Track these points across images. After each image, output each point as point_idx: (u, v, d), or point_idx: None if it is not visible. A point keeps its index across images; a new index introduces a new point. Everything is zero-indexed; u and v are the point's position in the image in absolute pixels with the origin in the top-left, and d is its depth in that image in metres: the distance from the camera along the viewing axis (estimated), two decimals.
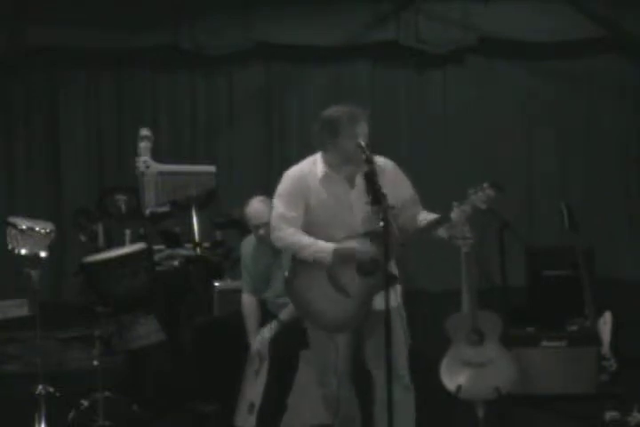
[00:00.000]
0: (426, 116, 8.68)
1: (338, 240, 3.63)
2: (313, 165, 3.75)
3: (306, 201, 3.70)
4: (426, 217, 3.76)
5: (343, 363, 3.77)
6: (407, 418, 3.74)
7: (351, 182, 3.70)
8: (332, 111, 3.69)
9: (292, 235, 3.69)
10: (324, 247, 3.62)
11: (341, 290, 3.62)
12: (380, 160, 3.74)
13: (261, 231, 4.48)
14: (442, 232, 3.72)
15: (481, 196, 3.55)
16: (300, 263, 3.71)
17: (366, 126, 3.65)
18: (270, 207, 4.45)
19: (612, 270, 7.67)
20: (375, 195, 3.42)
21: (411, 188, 3.83)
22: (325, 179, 3.71)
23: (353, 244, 3.60)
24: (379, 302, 3.51)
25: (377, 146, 3.70)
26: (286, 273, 3.77)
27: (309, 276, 3.68)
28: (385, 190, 3.47)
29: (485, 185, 3.58)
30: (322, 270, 3.64)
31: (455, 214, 3.58)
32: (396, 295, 3.62)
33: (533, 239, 7.98)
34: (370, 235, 3.56)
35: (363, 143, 3.58)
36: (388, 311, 3.39)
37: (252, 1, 8.18)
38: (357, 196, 3.64)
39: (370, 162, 3.55)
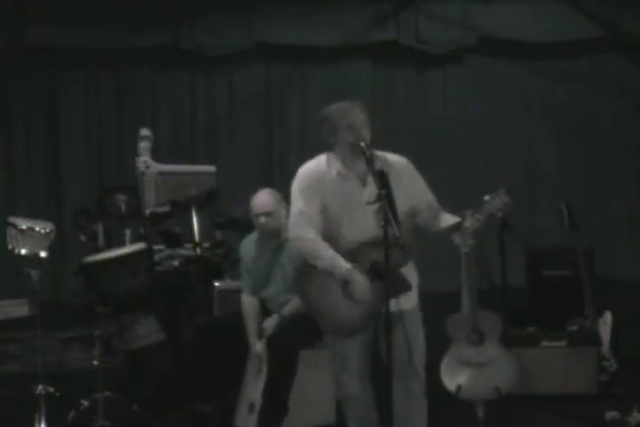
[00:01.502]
0: (426, 116, 8.69)
1: (351, 243, 3.61)
2: (327, 164, 3.71)
3: (322, 199, 3.65)
4: (446, 220, 3.72)
5: (359, 363, 3.75)
6: None
7: (363, 181, 3.67)
8: (325, 109, 3.72)
9: (312, 241, 3.62)
10: (341, 268, 3.58)
11: (350, 296, 3.60)
12: (394, 158, 3.75)
13: (262, 220, 4.48)
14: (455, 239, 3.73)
15: (497, 202, 3.50)
16: (311, 267, 3.66)
17: (361, 115, 3.64)
18: (277, 199, 4.48)
19: (612, 270, 7.68)
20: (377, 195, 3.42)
21: (426, 188, 3.79)
22: (339, 177, 3.67)
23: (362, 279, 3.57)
24: (393, 303, 3.48)
25: (378, 145, 3.71)
26: (298, 276, 3.75)
27: (321, 280, 3.63)
28: (396, 189, 3.48)
29: (501, 191, 3.52)
30: (333, 276, 3.60)
31: (469, 223, 3.54)
32: (408, 298, 3.65)
33: (533, 239, 7.98)
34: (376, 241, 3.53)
35: (363, 143, 3.58)
36: (387, 313, 3.39)
37: (252, 1, 8.19)
38: (369, 195, 3.58)
39: (370, 162, 3.55)
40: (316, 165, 3.74)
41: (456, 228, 3.65)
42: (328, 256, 3.59)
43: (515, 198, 3.59)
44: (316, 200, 3.65)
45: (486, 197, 3.49)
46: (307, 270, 3.69)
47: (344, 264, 3.58)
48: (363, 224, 3.60)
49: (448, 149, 8.51)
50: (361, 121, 3.64)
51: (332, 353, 3.84)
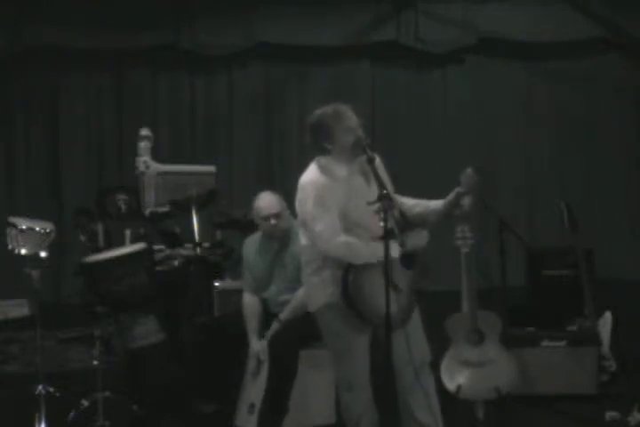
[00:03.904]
0: (426, 116, 8.69)
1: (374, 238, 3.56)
2: (325, 169, 3.67)
3: (338, 205, 3.60)
4: (419, 203, 3.83)
5: (365, 384, 3.77)
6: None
7: (367, 180, 3.68)
8: (316, 116, 3.70)
9: (356, 244, 3.58)
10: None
11: (393, 286, 3.53)
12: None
13: (272, 221, 4.47)
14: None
15: (468, 183, 3.67)
16: (358, 266, 3.60)
17: (354, 116, 3.66)
18: (280, 200, 4.48)
19: (612, 270, 7.67)
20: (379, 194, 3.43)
21: None
22: (345, 179, 3.66)
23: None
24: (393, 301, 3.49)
25: (376, 146, 3.72)
26: (349, 276, 3.64)
27: (368, 276, 3.58)
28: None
29: (469, 170, 3.72)
30: (377, 269, 3.50)
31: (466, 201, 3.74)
32: None
33: (533, 239, 7.99)
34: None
35: (364, 143, 3.60)
36: (388, 308, 3.39)
37: (252, 1, 8.19)
38: (373, 193, 3.55)
39: (371, 162, 3.57)
40: (315, 174, 3.69)
41: (457, 199, 3.73)
42: (371, 247, 3.54)
43: (484, 178, 3.79)
44: (334, 208, 3.60)
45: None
46: (357, 269, 3.61)
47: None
48: (372, 224, 3.52)
49: (448, 149, 8.51)
50: (356, 122, 3.66)
51: (345, 357, 3.83)
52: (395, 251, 3.46)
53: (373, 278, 3.54)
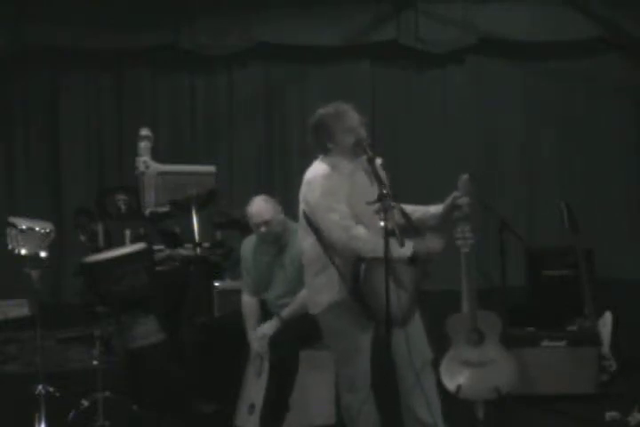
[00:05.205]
0: (426, 116, 8.69)
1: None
2: (333, 167, 3.67)
3: (345, 199, 3.61)
4: (417, 208, 3.84)
5: (365, 383, 3.76)
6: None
7: (370, 179, 3.67)
8: (317, 115, 3.71)
9: (371, 236, 3.54)
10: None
11: (397, 282, 3.55)
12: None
13: (263, 229, 4.47)
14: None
15: (462, 190, 3.76)
16: (371, 260, 3.58)
17: (356, 116, 3.67)
18: (272, 205, 4.47)
19: (612, 270, 7.67)
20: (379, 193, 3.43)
21: None
22: (350, 177, 3.66)
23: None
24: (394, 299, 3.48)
25: (377, 146, 3.72)
26: (361, 271, 3.62)
27: (376, 269, 3.54)
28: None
29: (464, 178, 3.81)
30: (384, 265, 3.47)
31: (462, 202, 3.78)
32: None
33: (533, 239, 7.99)
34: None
35: (365, 144, 3.61)
36: (388, 308, 3.39)
37: (252, 1, 8.19)
38: (376, 192, 3.54)
39: (372, 162, 3.57)
40: (324, 168, 3.69)
41: (453, 204, 3.79)
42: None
43: (478, 184, 3.89)
44: (343, 201, 3.60)
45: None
46: (371, 265, 3.58)
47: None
48: (375, 221, 3.51)
49: (448, 149, 8.51)
50: (357, 121, 3.66)
51: (338, 375, 3.86)
52: (402, 250, 3.47)
53: (380, 272, 3.51)
